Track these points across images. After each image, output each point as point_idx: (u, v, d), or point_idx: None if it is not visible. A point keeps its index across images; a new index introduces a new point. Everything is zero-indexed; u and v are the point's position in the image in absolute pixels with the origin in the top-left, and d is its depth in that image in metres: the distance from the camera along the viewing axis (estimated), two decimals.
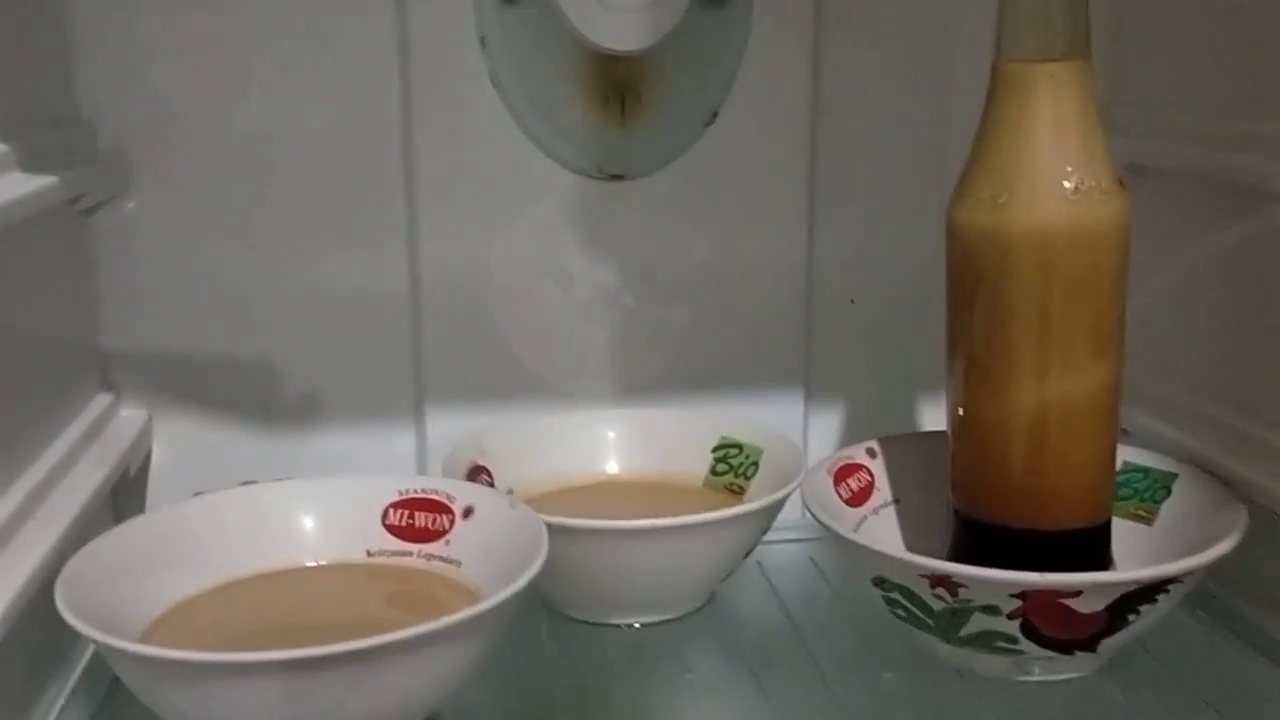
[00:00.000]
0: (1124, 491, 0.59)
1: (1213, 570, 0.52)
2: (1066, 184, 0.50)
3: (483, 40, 0.64)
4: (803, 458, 0.62)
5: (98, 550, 0.50)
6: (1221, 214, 0.59)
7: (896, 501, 0.61)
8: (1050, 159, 0.50)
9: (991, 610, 0.50)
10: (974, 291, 0.52)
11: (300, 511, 0.56)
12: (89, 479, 0.56)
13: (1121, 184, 0.51)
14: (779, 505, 0.58)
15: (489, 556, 0.53)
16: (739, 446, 0.65)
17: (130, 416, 0.65)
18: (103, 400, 0.63)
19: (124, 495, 0.64)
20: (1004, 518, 0.53)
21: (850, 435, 0.71)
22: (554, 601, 0.60)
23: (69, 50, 0.61)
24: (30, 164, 0.52)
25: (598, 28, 0.63)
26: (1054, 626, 0.50)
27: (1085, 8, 0.50)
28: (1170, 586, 0.50)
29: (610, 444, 0.67)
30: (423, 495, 0.56)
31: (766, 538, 0.60)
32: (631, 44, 0.63)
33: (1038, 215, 0.50)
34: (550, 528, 0.52)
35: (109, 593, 0.49)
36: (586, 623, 0.59)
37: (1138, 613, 0.50)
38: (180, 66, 0.62)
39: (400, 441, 0.69)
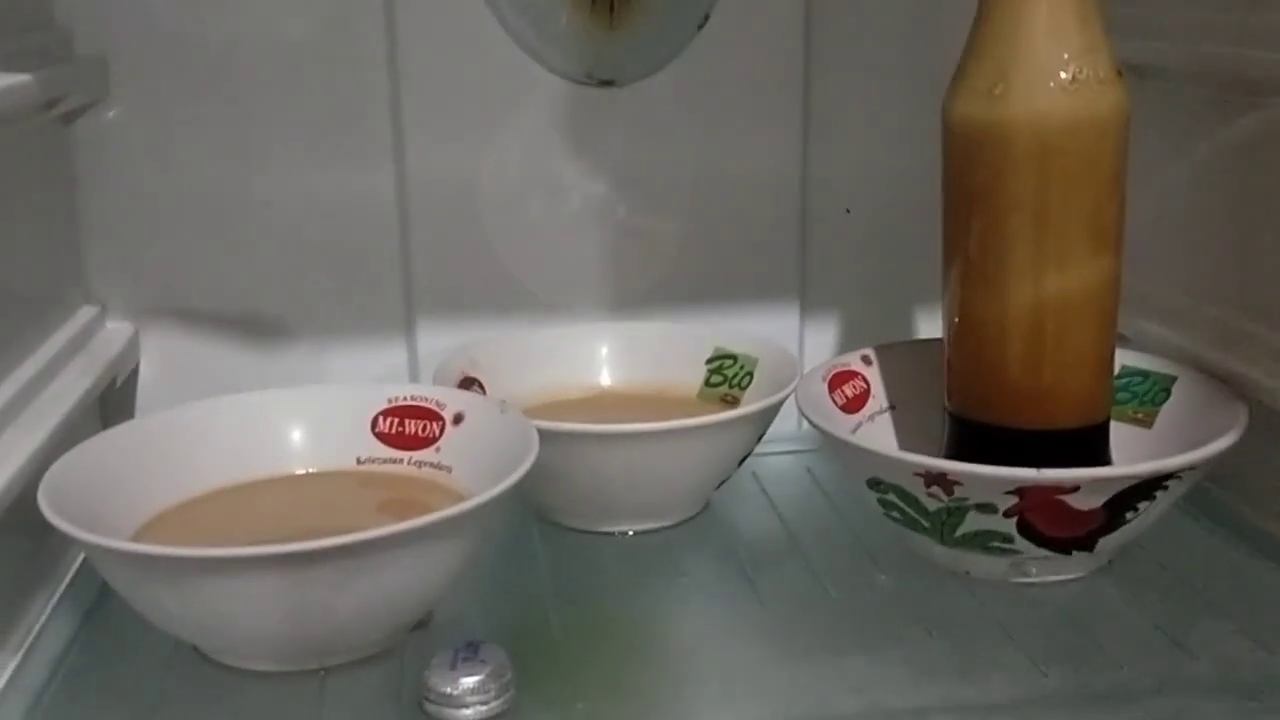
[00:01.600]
0: (1122, 395, 0.58)
1: (1212, 472, 0.51)
2: (1064, 74, 0.49)
3: None
4: (797, 366, 0.61)
5: (83, 454, 0.49)
6: (1222, 111, 0.58)
7: (892, 408, 0.60)
8: (1047, 48, 0.49)
9: (988, 508, 0.49)
10: (971, 186, 0.51)
11: (290, 419, 0.55)
12: (74, 386, 0.56)
13: (1120, 74, 0.50)
14: (774, 410, 0.57)
15: (480, 462, 0.52)
16: (733, 357, 0.65)
17: (116, 329, 0.64)
18: (88, 312, 0.62)
19: (112, 408, 0.64)
20: (1001, 418, 0.52)
21: (846, 347, 0.70)
22: (546, 509, 0.59)
23: None
24: (3, 64, 0.51)
25: None
26: (1051, 524, 0.49)
27: None
28: (1169, 482, 0.49)
29: (603, 357, 0.66)
30: (412, 403, 0.55)
31: (762, 449, 0.60)
32: None
33: (1034, 105, 0.49)
34: (541, 433, 0.51)
35: (94, 497, 0.48)
36: (579, 530, 0.58)
37: (1136, 510, 0.49)
38: None
39: (391, 354, 0.68)
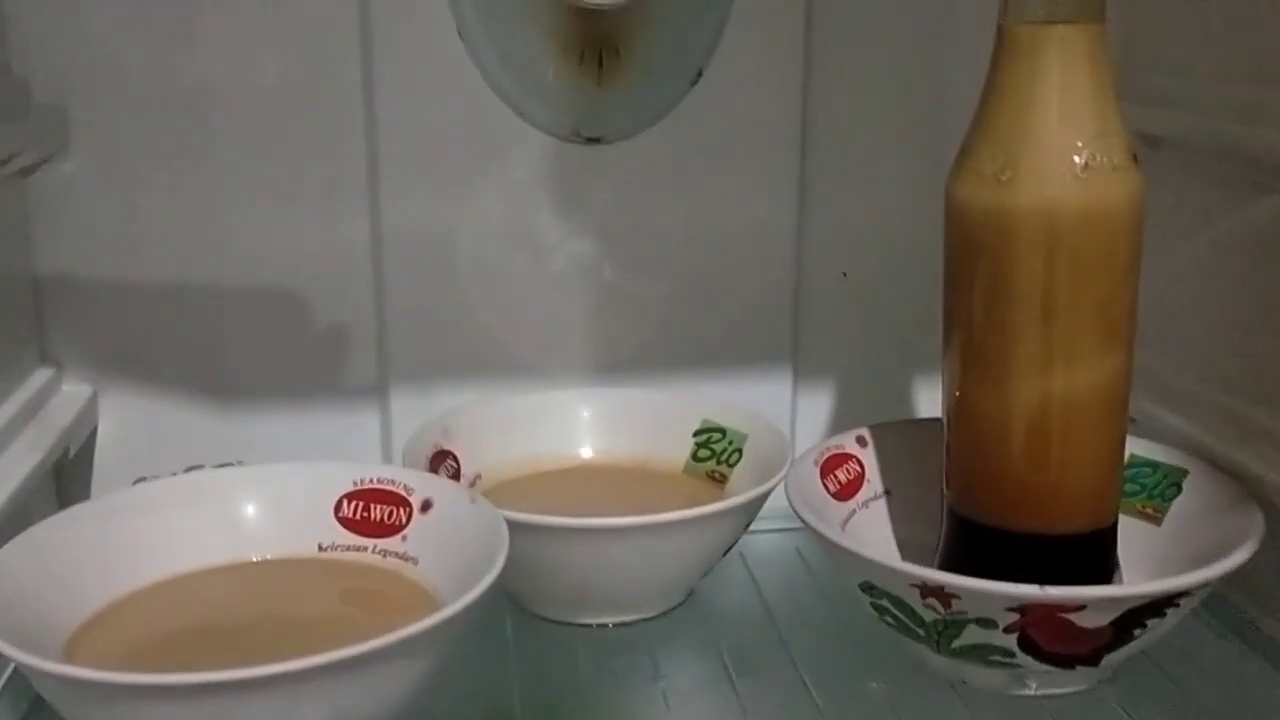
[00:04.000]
0: (1131, 488, 0.55)
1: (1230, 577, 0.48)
2: (1076, 159, 0.45)
3: None
4: (789, 446, 0.58)
5: (17, 549, 0.46)
6: (1241, 189, 0.55)
7: (888, 494, 0.57)
8: (1059, 132, 0.45)
9: (987, 623, 0.46)
10: (974, 273, 0.48)
11: (246, 502, 0.52)
12: (21, 463, 0.53)
13: (1135, 159, 0.46)
14: (761, 500, 0.54)
15: (447, 554, 0.49)
16: (722, 431, 0.61)
17: (73, 392, 0.61)
18: (42, 375, 0.59)
19: (68, 475, 0.61)
20: (1001, 519, 0.49)
21: (841, 418, 0.68)
22: (521, 598, 0.56)
23: None
24: None
25: None
26: (1054, 641, 0.46)
27: None
28: (1180, 600, 0.46)
29: (585, 425, 0.63)
30: (379, 486, 0.52)
31: (752, 526, 0.57)
32: None
33: (1044, 193, 0.45)
34: (513, 525, 0.48)
35: (31, 595, 0.45)
36: (555, 622, 0.55)
37: (1144, 626, 0.46)
38: (121, 14, 0.58)
39: (364, 417, 0.65)
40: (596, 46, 0.60)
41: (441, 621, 0.41)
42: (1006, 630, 0.46)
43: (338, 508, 0.52)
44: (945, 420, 0.51)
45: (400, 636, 0.40)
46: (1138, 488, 0.55)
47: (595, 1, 0.59)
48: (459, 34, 0.60)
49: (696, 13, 0.61)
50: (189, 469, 0.57)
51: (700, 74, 0.62)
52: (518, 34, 0.60)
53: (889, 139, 0.65)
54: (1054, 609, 0.45)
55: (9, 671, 0.51)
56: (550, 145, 0.62)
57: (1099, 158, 0.46)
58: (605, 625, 0.55)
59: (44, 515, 0.49)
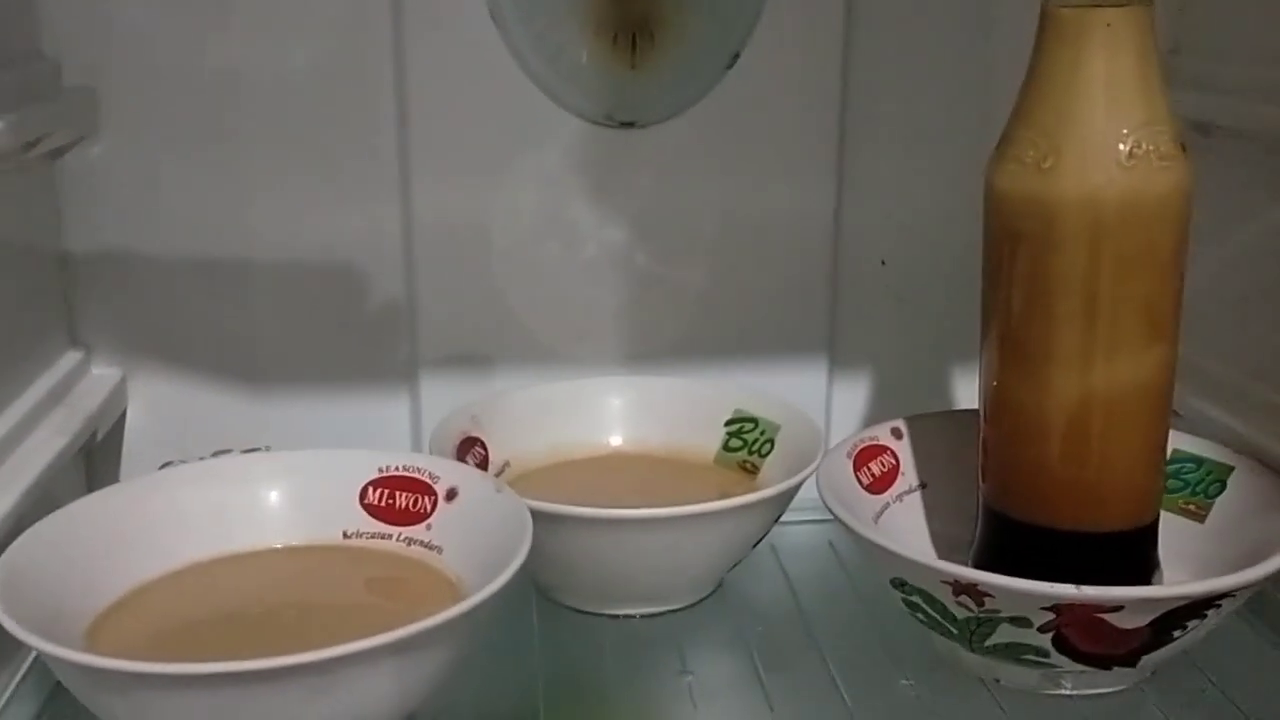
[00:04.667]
0: (1174, 483, 0.53)
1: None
2: (1121, 147, 0.44)
3: None
4: (822, 437, 0.57)
5: (40, 534, 0.45)
6: None
7: (923, 486, 0.56)
8: (1103, 119, 0.44)
9: (1021, 622, 0.45)
10: (1014, 265, 0.47)
11: (271, 489, 0.52)
12: (47, 447, 0.52)
13: (1184, 149, 0.45)
14: (792, 492, 0.53)
15: (471, 544, 0.49)
16: (754, 421, 0.60)
17: (102, 376, 0.61)
18: (71, 358, 0.59)
19: (97, 458, 0.61)
20: (1038, 516, 0.48)
21: (877, 409, 0.66)
22: (548, 589, 0.55)
23: None
24: None
25: None
26: (1090, 642, 0.45)
27: None
28: (1222, 601, 0.44)
29: (615, 414, 0.62)
30: (404, 474, 0.52)
31: (784, 519, 0.56)
32: None
33: (1088, 183, 0.44)
34: (538, 514, 0.47)
35: (54, 582, 0.45)
36: (582, 612, 0.54)
37: (1184, 628, 0.45)
38: None
39: (394, 404, 0.64)
40: (630, 29, 0.59)
41: (463, 613, 0.41)
42: (1041, 629, 0.45)
43: (363, 495, 0.52)
44: (982, 413, 0.50)
45: (422, 627, 0.40)
46: (1181, 484, 0.54)
47: None
48: (491, 17, 0.59)
49: None
50: (216, 453, 0.56)
51: (737, 58, 0.61)
52: (551, 16, 0.59)
53: (930, 126, 0.63)
54: (1090, 609, 0.44)
55: (31, 657, 0.51)
56: (584, 130, 0.61)
57: (1145, 146, 0.44)
58: (632, 616, 0.54)
59: (73, 499, 0.48)
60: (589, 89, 0.60)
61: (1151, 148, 0.44)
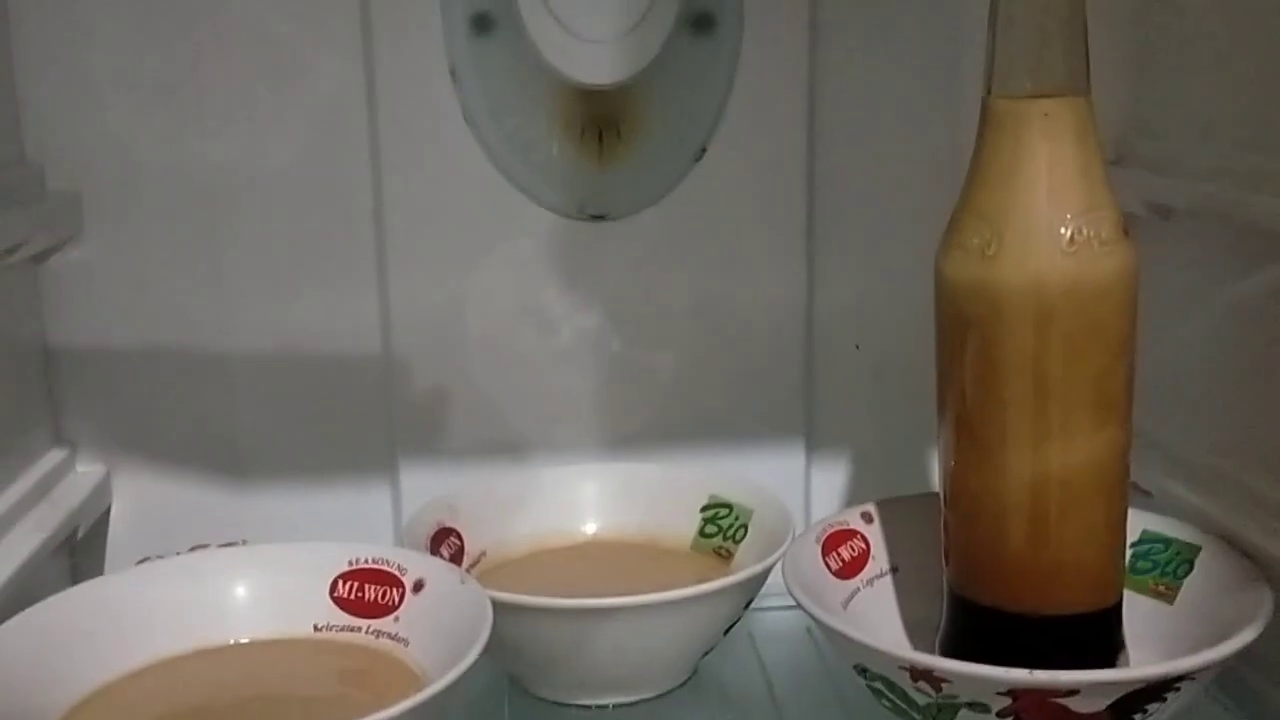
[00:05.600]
0: (1143, 564, 0.53)
1: (1240, 652, 0.46)
2: (1063, 232, 0.45)
3: (453, 72, 0.60)
4: (791, 522, 0.57)
5: (8, 632, 0.46)
6: (1254, 259, 0.54)
7: (894, 570, 0.56)
8: (1044, 206, 0.45)
9: (979, 707, 0.45)
10: (963, 349, 0.47)
11: (241, 583, 0.52)
12: (25, 543, 0.53)
13: (1126, 233, 0.45)
14: (762, 577, 0.53)
15: (436, 636, 0.49)
16: (729, 506, 0.61)
17: (86, 473, 0.62)
18: (55, 456, 0.60)
19: (82, 554, 0.62)
20: (999, 599, 0.48)
21: (857, 492, 0.66)
22: (521, 680, 0.55)
23: (12, 87, 0.58)
24: None
25: (571, 59, 0.59)
26: None
27: (1084, 38, 0.45)
28: (1181, 684, 0.44)
29: (591, 501, 0.62)
30: (374, 566, 0.52)
31: (761, 603, 0.56)
32: (608, 77, 0.59)
33: (1030, 268, 0.45)
34: (502, 605, 0.48)
35: (22, 678, 0.45)
36: (556, 703, 0.54)
37: (1145, 711, 0.45)
38: (134, 101, 0.59)
39: (375, 498, 0.65)
40: (597, 125, 0.61)
41: (411, 707, 0.41)
42: (1000, 715, 0.45)
43: (333, 588, 0.52)
44: (941, 497, 0.50)
45: None
46: (1150, 564, 0.54)
47: (594, 82, 0.59)
48: (463, 116, 0.61)
49: (697, 91, 0.61)
50: (193, 548, 0.57)
51: (704, 151, 0.62)
52: (520, 115, 0.60)
53: (897, 213, 0.64)
54: (1046, 693, 0.43)
55: None
56: (556, 223, 0.63)
57: (1086, 232, 0.45)
58: (605, 706, 0.54)
59: (55, 594, 0.49)
60: (560, 184, 0.62)
61: (1093, 233, 0.45)
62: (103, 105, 0.59)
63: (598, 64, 0.59)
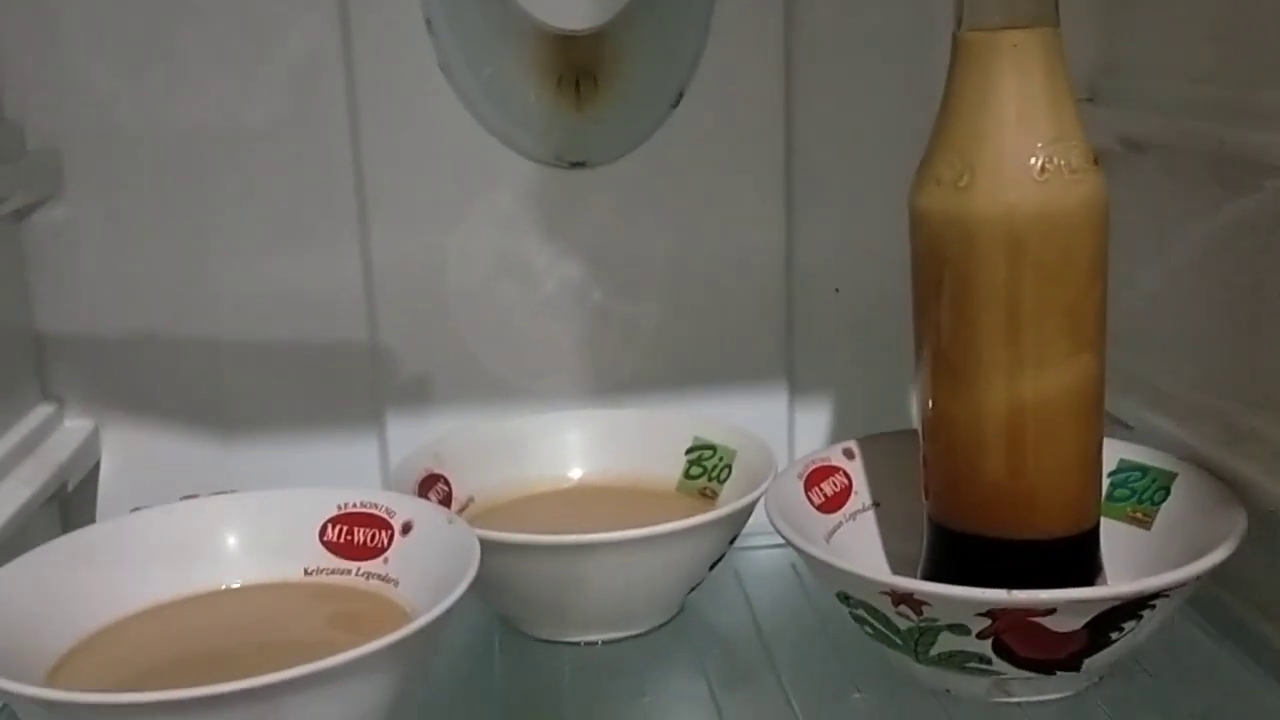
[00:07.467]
0: (1120, 492, 0.54)
1: (1217, 575, 0.47)
2: (1033, 162, 0.45)
3: (429, 23, 0.60)
4: (773, 460, 0.58)
5: (1, 581, 0.47)
6: (1226, 191, 0.54)
7: (876, 505, 0.57)
8: (1014, 136, 0.45)
9: (960, 629, 0.46)
10: (938, 281, 0.48)
11: (232, 529, 0.53)
12: (13, 497, 0.54)
13: (1096, 162, 0.46)
14: (745, 512, 0.54)
15: (425, 575, 0.50)
16: (713, 448, 0.61)
17: (74, 427, 0.62)
18: (43, 411, 0.61)
19: (73, 508, 0.62)
20: (978, 526, 0.49)
21: (839, 432, 0.67)
22: (511, 619, 0.56)
23: None
24: None
25: (546, 5, 0.59)
26: (1028, 646, 0.46)
27: None
28: (1156, 601, 0.45)
29: (577, 447, 0.63)
30: (362, 510, 0.53)
31: (746, 542, 0.57)
32: (582, 22, 0.60)
33: (1002, 198, 0.45)
34: (489, 544, 0.48)
35: (14, 626, 0.46)
36: (543, 640, 0.55)
37: (1121, 630, 0.46)
38: (113, 60, 0.59)
39: (362, 448, 0.65)
40: (574, 72, 0.61)
41: (401, 638, 0.42)
42: (980, 636, 0.46)
43: (323, 532, 0.53)
44: (920, 430, 0.51)
45: (361, 653, 0.41)
46: (1128, 492, 0.55)
47: (569, 28, 0.60)
48: (440, 66, 0.61)
49: (673, 36, 0.62)
50: (184, 498, 0.58)
51: (681, 96, 0.63)
52: (497, 63, 0.61)
53: (875, 153, 0.65)
54: (1024, 613, 0.44)
55: None
56: (535, 171, 0.63)
57: (1057, 161, 0.45)
58: (594, 643, 0.55)
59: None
60: (538, 132, 0.62)
61: (1063, 162, 0.45)
62: (82, 65, 0.59)
63: (574, 9, 0.60)
